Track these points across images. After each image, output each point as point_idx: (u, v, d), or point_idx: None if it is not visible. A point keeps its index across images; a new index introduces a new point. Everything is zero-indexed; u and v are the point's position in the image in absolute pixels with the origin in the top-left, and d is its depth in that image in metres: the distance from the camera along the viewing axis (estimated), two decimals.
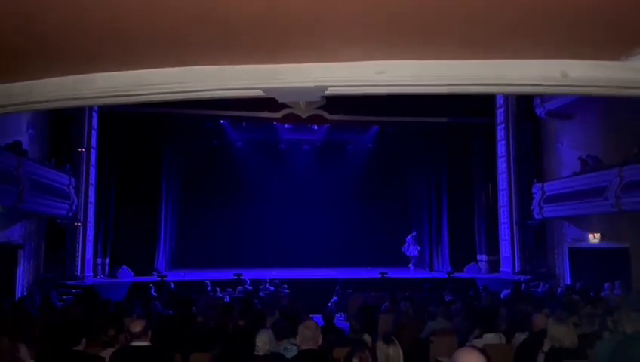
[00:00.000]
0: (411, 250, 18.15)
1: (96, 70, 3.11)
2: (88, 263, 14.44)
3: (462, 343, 5.81)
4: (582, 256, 13.70)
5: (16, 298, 11.16)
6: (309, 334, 4.18)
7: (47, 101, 3.32)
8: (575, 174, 13.35)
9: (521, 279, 14.25)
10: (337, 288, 13.18)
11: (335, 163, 18.69)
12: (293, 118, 15.36)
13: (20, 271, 12.14)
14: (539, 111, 14.77)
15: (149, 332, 4.47)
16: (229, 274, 14.07)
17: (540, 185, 14.50)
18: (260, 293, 11.90)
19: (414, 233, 18.42)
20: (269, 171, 18.26)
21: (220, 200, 18.00)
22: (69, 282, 13.11)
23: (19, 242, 12.23)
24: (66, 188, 13.00)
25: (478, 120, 16.64)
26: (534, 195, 14.68)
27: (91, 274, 14.54)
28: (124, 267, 15.12)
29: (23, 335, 5.63)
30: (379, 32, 2.65)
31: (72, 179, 13.34)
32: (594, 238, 13.14)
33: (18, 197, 10.42)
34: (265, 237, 17.76)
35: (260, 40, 2.69)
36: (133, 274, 15.02)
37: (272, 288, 12.71)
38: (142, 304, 9.20)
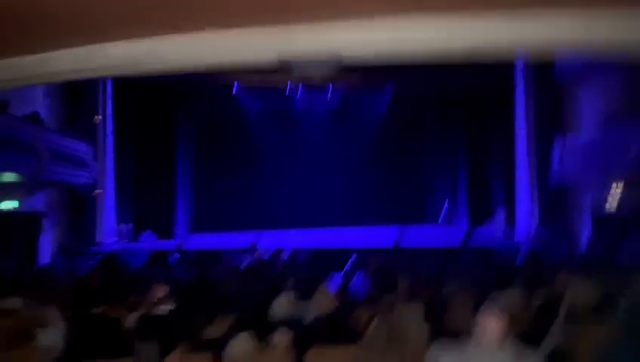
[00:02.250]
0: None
1: (108, 40, 3.08)
2: (110, 230, 14.72)
3: (479, 304, 5.83)
4: (603, 215, 13.51)
5: (41, 264, 11.47)
6: (324, 301, 4.23)
7: (60, 73, 3.31)
8: (598, 130, 13.02)
9: (540, 239, 14.18)
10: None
11: (350, 122, 18.49)
12: (306, 82, 15.20)
13: (43, 239, 12.43)
14: (558, 71, 14.34)
15: (172, 298, 4.57)
16: (248, 237, 14.20)
17: (561, 140, 14.17)
18: (277, 259, 12.04)
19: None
20: (284, 135, 18.19)
21: (236, 164, 18.04)
22: (92, 249, 13.42)
23: (42, 210, 12.47)
24: (84, 156, 13.17)
25: (496, 81, 16.21)
26: (555, 151, 14.40)
27: (113, 240, 14.83)
28: (147, 232, 15.40)
29: (48, 300, 5.80)
30: None
31: (90, 148, 13.48)
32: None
33: (38, 166, 10.58)
34: (282, 200, 17.83)
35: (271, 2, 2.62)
36: (155, 238, 15.30)
37: (288, 253, 12.83)
38: (162, 270, 9.39)
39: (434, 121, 18.77)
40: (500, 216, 16.51)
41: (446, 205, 17.95)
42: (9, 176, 10.37)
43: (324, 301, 4.23)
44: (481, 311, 3.05)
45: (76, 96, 13.75)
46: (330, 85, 16.71)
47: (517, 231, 15.78)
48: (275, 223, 16.48)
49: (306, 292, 5.69)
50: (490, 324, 2.73)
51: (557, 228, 14.69)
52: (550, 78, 14.95)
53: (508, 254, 10.76)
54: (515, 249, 12.76)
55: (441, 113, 18.35)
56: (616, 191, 12.61)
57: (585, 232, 13.99)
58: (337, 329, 4.16)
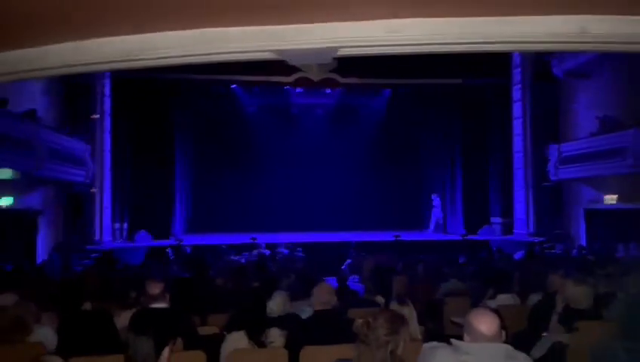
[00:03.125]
0: (436, 212, 17.92)
1: (104, 35, 3.08)
2: (106, 228, 14.70)
3: (475, 304, 5.84)
4: (598, 218, 13.60)
5: (37, 262, 11.44)
6: (324, 296, 4.22)
7: (56, 67, 3.31)
8: (592, 135, 13.12)
9: (536, 241, 14.24)
10: (351, 250, 13.29)
11: (348, 126, 18.55)
12: (305, 82, 15.21)
13: (40, 237, 12.41)
14: (556, 70, 14.43)
15: (168, 295, 4.56)
16: (244, 238, 14.24)
17: (557, 146, 14.29)
18: (276, 256, 12.07)
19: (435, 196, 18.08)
20: (282, 135, 18.20)
21: (234, 164, 18.05)
22: (88, 247, 13.40)
23: (38, 208, 12.46)
24: (82, 154, 13.15)
25: (493, 81, 16.32)
26: (550, 157, 14.50)
27: (110, 239, 14.80)
28: (142, 231, 15.37)
29: (44, 298, 5.78)
30: None
31: (88, 146, 13.47)
32: (610, 199, 13.00)
33: (35, 164, 10.56)
34: (279, 201, 17.85)
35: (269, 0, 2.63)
36: (151, 238, 15.28)
37: (286, 251, 12.86)
38: (159, 267, 9.39)
39: (431, 123, 18.81)
40: (496, 221, 16.57)
41: (437, 212, 17.82)
42: (5, 173, 10.35)
43: (323, 296, 4.21)
44: (476, 309, 3.04)
45: (74, 94, 13.74)
46: (329, 88, 16.75)
47: (514, 232, 15.86)
48: (272, 225, 16.52)
49: (303, 290, 5.69)
50: (486, 322, 2.73)
51: (553, 228, 14.78)
52: (547, 82, 15.08)
53: (504, 254, 10.79)
54: (512, 247, 12.84)
55: (439, 115, 18.39)
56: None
57: (580, 231, 14.08)
58: (333, 327, 4.16)
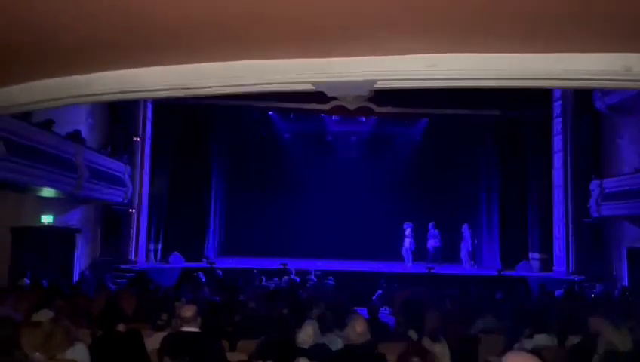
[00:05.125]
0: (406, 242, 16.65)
1: (152, 64, 3.20)
2: (141, 248, 14.96)
3: (511, 343, 5.66)
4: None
5: (74, 280, 11.72)
6: (360, 330, 4.16)
7: (105, 93, 3.45)
8: (637, 171, 12.71)
9: (576, 279, 13.74)
10: (382, 281, 13.13)
11: (383, 155, 18.51)
12: (340, 110, 15.32)
13: (77, 255, 12.73)
14: (598, 104, 14.09)
15: (199, 318, 4.59)
16: (275, 263, 14.25)
17: (599, 181, 13.88)
18: (306, 284, 12.02)
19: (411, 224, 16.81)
20: (316, 162, 18.30)
21: (268, 190, 18.22)
22: (122, 266, 13.65)
23: (77, 227, 12.81)
24: (121, 175, 13.52)
25: (533, 113, 16.06)
26: (592, 192, 14.07)
27: (144, 259, 15.05)
28: (176, 253, 15.58)
29: (80, 315, 5.90)
30: (431, 25, 2.59)
31: (128, 167, 13.86)
32: None
33: (77, 183, 10.91)
34: (311, 228, 17.83)
35: (311, 35, 2.68)
36: (184, 260, 15.46)
37: (315, 279, 12.80)
38: (191, 289, 9.47)
39: (468, 154, 18.56)
40: (534, 257, 16.09)
41: (409, 242, 16.73)
42: (48, 191, 10.72)
43: (357, 333, 4.15)
44: (514, 352, 2.95)
45: (117, 117, 14.24)
46: (364, 116, 16.81)
47: (553, 269, 15.38)
48: (304, 252, 16.49)
49: (333, 320, 5.64)
50: None
51: (594, 267, 14.27)
52: (589, 116, 14.76)
53: (543, 292, 10.45)
54: (551, 285, 12.44)
55: (477, 146, 18.17)
56: None
57: (623, 271, 13.56)
58: (363, 361, 4.10)
